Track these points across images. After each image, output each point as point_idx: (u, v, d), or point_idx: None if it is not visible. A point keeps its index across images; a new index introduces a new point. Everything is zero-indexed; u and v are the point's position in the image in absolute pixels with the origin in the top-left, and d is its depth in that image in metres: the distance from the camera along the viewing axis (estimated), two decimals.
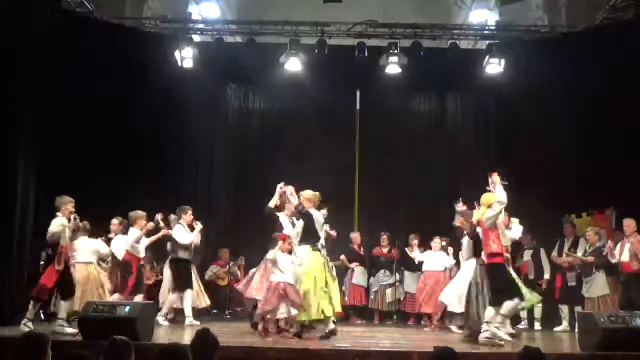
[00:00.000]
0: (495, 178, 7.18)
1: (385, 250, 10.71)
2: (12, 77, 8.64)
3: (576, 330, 7.10)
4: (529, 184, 10.21)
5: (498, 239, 7.18)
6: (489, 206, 7.17)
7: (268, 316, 7.15)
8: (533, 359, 3.82)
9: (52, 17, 9.39)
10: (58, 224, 7.49)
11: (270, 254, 7.29)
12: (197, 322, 8.61)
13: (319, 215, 7.74)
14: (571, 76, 10.17)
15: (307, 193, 7.72)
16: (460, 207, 8.18)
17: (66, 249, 7.55)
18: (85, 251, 8.63)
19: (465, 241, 8.09)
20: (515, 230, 8.32)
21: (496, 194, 7.08)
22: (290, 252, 7.37)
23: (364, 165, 11.83)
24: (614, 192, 9.44)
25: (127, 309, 6.35)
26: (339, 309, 7.60)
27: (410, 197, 11.77)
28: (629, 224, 8.43)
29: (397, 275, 10.43)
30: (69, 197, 7.70)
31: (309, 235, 7.53)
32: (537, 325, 9.46)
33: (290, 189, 7.79)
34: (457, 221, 8.30)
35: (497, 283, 7.10)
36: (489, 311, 6.99)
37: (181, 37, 10.87)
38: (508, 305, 7.00)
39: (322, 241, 7.71)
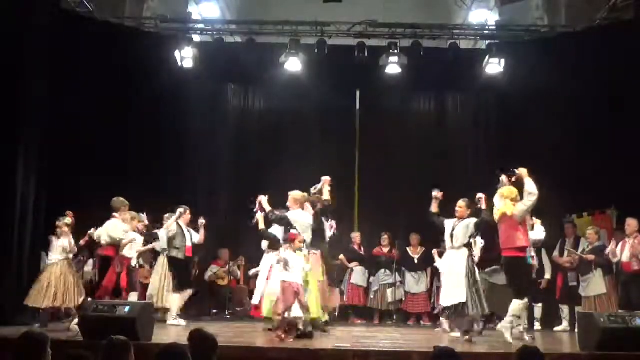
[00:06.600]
0: (522, 171, 7.12)
1: (385, 250, 10.70)
2: (12, 77, 8.64)
3: (576, 330, 7.09)
4: None
5: (526, 234, 7.13)
6: (513, 199, 7.07)
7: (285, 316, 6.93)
8: (532, 358, 3.81)
9: (52, 17, 9.39)
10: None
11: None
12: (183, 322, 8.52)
13: (300, 216, 7.67)
14: (571, 76, 10.17)
15: (295, 194, 7.70)
16: (437, 193, 7.74)
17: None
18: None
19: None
20: (538, 231, 8.27)
21: (527, 186, 7.00)
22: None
23: (364, 165, 11.81)
24: (615, 192, 9.44)
25: (127, 309, 6.33)
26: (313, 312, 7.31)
27: (411, 196, 11.74)
28: (630, 223, 8.42)
29: (398, 276, 10.43)
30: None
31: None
32: (537, 325, 9.46)
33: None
34: (434, 208, 7.77)
35: (518, 278, 7.15)
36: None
37: (181, 37, 10.89)
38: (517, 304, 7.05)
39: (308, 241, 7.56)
